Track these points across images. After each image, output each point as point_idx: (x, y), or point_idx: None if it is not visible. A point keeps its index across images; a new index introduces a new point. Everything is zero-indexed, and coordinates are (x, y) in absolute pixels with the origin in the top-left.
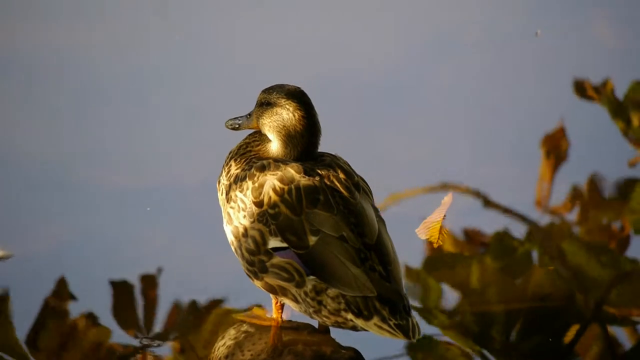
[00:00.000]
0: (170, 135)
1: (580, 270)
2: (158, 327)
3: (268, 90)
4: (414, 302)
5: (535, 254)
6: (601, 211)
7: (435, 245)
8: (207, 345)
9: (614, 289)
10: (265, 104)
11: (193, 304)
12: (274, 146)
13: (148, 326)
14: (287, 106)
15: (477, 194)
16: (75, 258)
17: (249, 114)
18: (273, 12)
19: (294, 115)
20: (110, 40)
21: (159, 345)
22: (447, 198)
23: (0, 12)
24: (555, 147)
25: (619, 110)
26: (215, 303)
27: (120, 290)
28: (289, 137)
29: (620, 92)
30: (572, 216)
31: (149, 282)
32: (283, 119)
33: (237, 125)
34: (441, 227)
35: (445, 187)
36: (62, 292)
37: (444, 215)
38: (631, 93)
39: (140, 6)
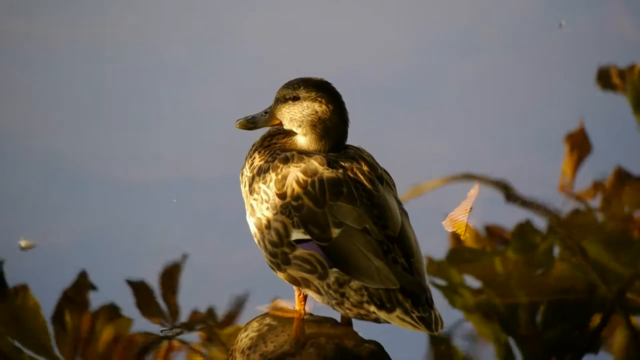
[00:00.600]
0: (188, 130)
1: (601, 266)
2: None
3: (292, 86)
4: (438, 282)
5: (556, 250)
6: (624, 197)
7: (462, 238)
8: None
9: (636, 281)
10: (291, 99)
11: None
12: (304, 139)
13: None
14: (320, 99)
15: (499, 184)
16: (96, 249)
17: (265, 112)
18: (284, 9)
19: (328, 107)
20: (130, 34)
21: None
22: (474, 191)
23: (6, 7)
24: (578, 145)
25: None
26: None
27: (140, 290)
28: (325, 130)
29: None
30: (595, 203)
31: (169, 281)
32: (317, 112)
33: (253, 124)
34: (468, 220)
35: (467, 177)
36: (82, 284)
37: (471, 208)
38: None
39: (152, 1)
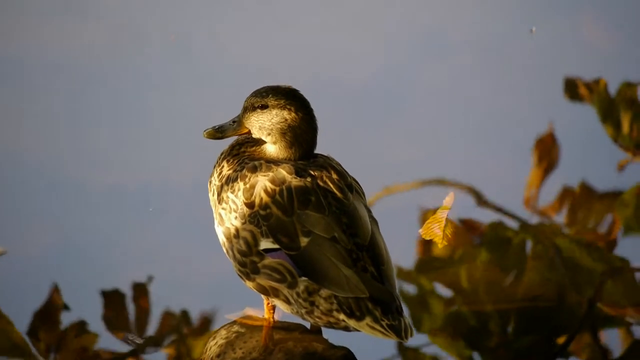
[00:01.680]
0: (162, 135)
1: (573, 263)
2: (150, 332)
3: (260, 94)
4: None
5: (529, 245)
6: (591, 209)
7: (440, 246)
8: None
9: (606, 285)
10: (260, 107)
11: (185, 314)
12: (274, 148)
13: (140, 332)
14: (289, 106)
15: (471, 190)
16: (69, 255)
17: (234, 121)
18: (268, 15)
19: (297, 115)
20: (106, 39)
21: (150, 350)
22: (449, 198)
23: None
24: (547, 152)
25: (609, 111)
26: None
27: (112, 299)
28: (295, 137)
29: (610, 94)
30: (560, 218)
31: (140, 291)
32: (286, 120)
33: (221, 134)
34: (444, 228)
35: (439, 182)
36: (55, 300)
37: (447, 216)
38: (623, 90)
39: (136, 6)
